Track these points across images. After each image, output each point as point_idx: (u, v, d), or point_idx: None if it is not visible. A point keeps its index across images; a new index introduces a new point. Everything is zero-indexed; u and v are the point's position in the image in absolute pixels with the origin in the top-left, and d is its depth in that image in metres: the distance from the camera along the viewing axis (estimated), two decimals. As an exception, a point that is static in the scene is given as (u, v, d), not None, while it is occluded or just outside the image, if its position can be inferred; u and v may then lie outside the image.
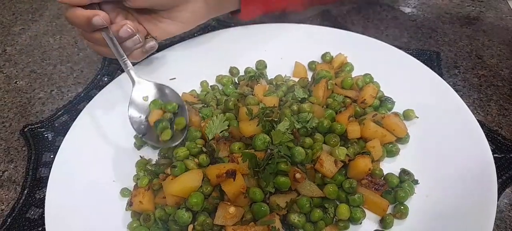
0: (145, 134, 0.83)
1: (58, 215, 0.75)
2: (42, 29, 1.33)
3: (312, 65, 1.02)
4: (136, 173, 0.83)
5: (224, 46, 1.08)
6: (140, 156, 0.86)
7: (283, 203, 0.71)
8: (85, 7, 0.80)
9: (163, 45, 1.18)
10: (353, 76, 0.97)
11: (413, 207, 0.73)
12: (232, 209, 0.69)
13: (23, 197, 0.84)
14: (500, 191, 0.78)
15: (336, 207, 0.73)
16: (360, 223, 0.73)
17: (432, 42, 1.13)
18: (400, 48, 1.01)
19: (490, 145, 0.77)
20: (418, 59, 0.97)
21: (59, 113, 1.02)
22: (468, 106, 0.84)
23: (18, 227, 0.80)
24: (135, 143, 0.89)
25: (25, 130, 0.98)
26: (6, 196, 0.85)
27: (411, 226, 0.72)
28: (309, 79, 0.98)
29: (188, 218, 0.71)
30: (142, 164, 0.84)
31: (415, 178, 0.77)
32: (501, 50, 1.08)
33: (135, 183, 0.81)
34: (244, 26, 1.13)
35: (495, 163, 0.74)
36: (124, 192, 0.80)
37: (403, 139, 0.83)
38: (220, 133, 0.81)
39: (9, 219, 0.81)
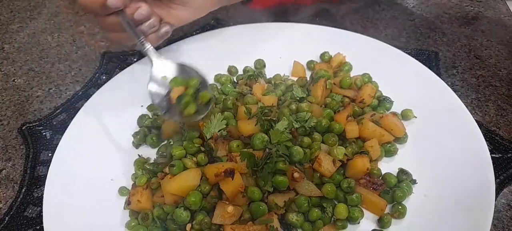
0: (167, 111, 0.80)
1: (56, 213, 0.75)
2: (40, 27, 1.33)
3: (310, 64, 1.02)
4: (134, 172, 0.83)
5: (222, 45, 1.08)
6: (139, 155, 0.86)
7: (281, 202, 0.71)
8: None
9: (161, 44, 1.18)
10: (351, 75, 0.97)
11: (411, 207, 0.74)
12: (230, 208, 0.70)
13: (21, 196, 0.84)
14: (498, 191, 0.78)
15: (334, 206, 0.74)
16: (358, 223, 0.74)
17: (430, 42, 1.13)
18: (398, 48, 1.01)
19: (488, 145, 0.77)
20: (417, 59, 0.97)
21: (57, 111, 1.02)
22: (466, 106, 0.84)
23: (16, 225, 0.80)
24: (133, 142, 0.89)
25: (23, 128, 0.97)
26: (4, 195, 0.85)
27: (409, 226, 0.72)
28: (308, 79, 0.98)
29: (186, 217, 0.71)
30: (141, 163, 0.83)
31: (413, 178, 0.77)
32: (499, 50, 1.08)
33: (133, 182, 0.81)
34: (243, 25, 1.13)
35: (493, 163, 0.74)
36: (122, 190, 0.80)
37: (401, 138, 0.83)
38: (218, 131, 0.81)
39: (7, 218, 0.81)
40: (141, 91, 0.97)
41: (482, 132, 0.79)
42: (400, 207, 0.73)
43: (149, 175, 0.80)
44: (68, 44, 1.25)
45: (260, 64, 1.03)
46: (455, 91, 0.88)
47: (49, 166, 0.81)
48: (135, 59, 1.15)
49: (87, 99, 0.95)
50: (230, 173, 0.71)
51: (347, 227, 0.73)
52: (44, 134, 0.96)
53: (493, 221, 0.66)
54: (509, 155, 0.84)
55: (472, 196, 0.71)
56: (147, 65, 1.03)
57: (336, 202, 0.75)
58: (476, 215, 0.68)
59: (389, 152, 0.82)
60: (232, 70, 1.04)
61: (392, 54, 0.99)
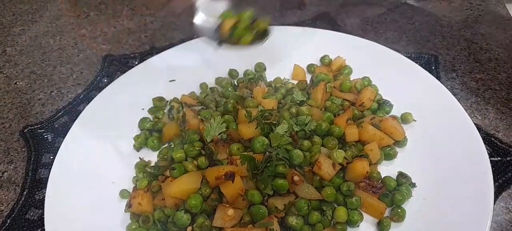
0: (221, 42, 0.78)
1: (57, 216, 0.75)
2: (42, 30, 1.34)
3: (311, 68, 1.03)
4: (135, 175, 0.84)
5: (223, 48, 1.08)
6: (140, 158, 0.87)
7: (281, 205, 0.72)
8: None
9: (163, 47, 1.19)
10: (351, 79, 0.98)
11: (411, 210, 0.74)
12: (230, 211, 0.70)
13: (23, 198, 0.85)
14: (497, 194, 0.78)
15: (334, 209, 0.74)
16: (358, 226, 0.74)
17: (430, 46, 1.13)
18: (398, 51, 1.02)
19: (487, 148, 0.78)
20: (417, 62, 0.97)
21: (59, 114, 1.02)
22: (466, 110, 0.84)
23: (18, 228, 0.80)
24: (134, 145, 0.90)
25: (25, 130, 0.98)
26: (6, 197, 0.86)
27: (409, 229, 0.72)
28: (308, 82, 0.99)
29: (187, 220, 0.71)
30: (142, 166, 0.84)
31: (413, 181, 0.78)
32: (498, 54, 1.08)
33: (134, 185, 0.82)
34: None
35: (492, 166, 0.75)
36: (123, 193, 0.81)
37: (401, 142, 0.84)
38: (218, 135, 0.82)
39: (8, 220, 0.81)
40: (142, 94, 0.99)
41: (482, 135, 0.79)
42: (399, 210, 0.73)
43: (150, 178, 0.81)
44: (69, 47, 1.26)
45: (260, 68, 1.04)
46: (454, 94, 0.89)
47: (50, 168, 0.82)
48: (136, 62, 1.16)
49: (89, 102, 0.96)
50: (230, 176, 0.71)
51: (346, 230, 0.73)
52: (45, 136, 0.97)
53: (491, 224, 0.67)
54: (508, 158, 0.84)
55: (471, 199, 0.71)
56: (148, 68, 1.04)
57: (335, 205, 0.75)
58: (475, 219, 0.68)
59: (389, 155, 0.82)
60: (233, 73, 1.04)
61: (392, 57, 0.99)
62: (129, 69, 1.05)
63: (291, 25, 1.24)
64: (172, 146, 0.88)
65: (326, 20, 1.25)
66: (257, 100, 0.89)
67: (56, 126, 1.00)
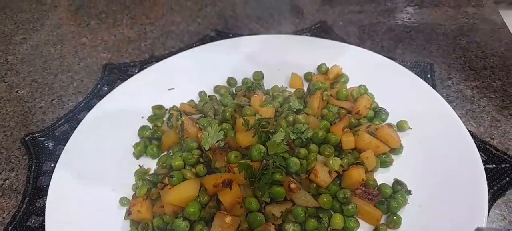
0: None
1: (58, 223, 0.76)
2: (43, 39, 1.35)
3: (308, 76, 1.04)
4: (134, 182, 0.85)
5: (222, 56, 1.10)
6: (139, 165, 0.88)
7: (279, 212, 0.73)
8: None
9: (162, 56, 1.20)
10: (348, 87, 0.99)
11: (406, 217, 0.75)
12: (228, 219, 0.71)
13: (24, 206, 0.86)
14: (492, 201, 0.79)
15: (330, 216, 0.75)
16: (354, 233, 0.75)
17: (426, 54, 1.15)
18: (394, 59, 1.03)
19: (482, 156, 0.79)
20: (412, 70, 0.99)
21: (59, 122, 1.04)
22: (461, 117, 0.85)
23: (19, 235, 0.81)
24: (134, 153, 0.91)
25: (26, 138, 0.99)
26: (7, 204, 0.87)
27: (404, 236, 0.73)
28: (305, 90, 1.00)
29: (185, 227, 0.72)
30: (141, 174, 0.85)
31: (408, 189, 0.79)
32: (493, 62, 1.10)
33: (133, 192, 0.83)
34: (242, 37, 1.15)
35: (487, 173, 0.76)
36: (123, 200, 0.81)
37: (396, 149, 0.85)
38: (216, 142, 0.83)
39: (10, 228, 0.82)
40: (141, 102, 1.00)
41: (477, 143, 0.80)
42: (395, 217, 0.74)
43: (149, 186, 0.82)
44: (70, 56, 1.27)
45: (258, 76, 1.05)
46: (450, 102, 0.90)
47: (51, 176, 0.83)
48: (136, 71, 1.17)
49: (89, 110, 0.97)
50: (228, 184, 0.72)
51: (343, 237, 0.74)
52: (46, 144, 0.98)
53: (486, 231, 0.67)
54: (503, 166, 0.85)
55: (466, 206, 0.72)
56: (147, 77, 1.05)
57: (332, 213, 0.76)
58: (470, 225, 0.69)
59: (385, 163, 0.83)
60: (231, 81, 1.06)
61: (388, 66, 1.01)
62: (129, 77, 1.06)
63: (289, 33, 1.25)
64: (171, 153, 0.89)
65: (323, 29, 1.27)
66: (255, 109, 0.91)
67: (57, 133, 1.01)
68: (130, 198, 0.82)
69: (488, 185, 0.74)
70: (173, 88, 1.03)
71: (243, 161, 0.77)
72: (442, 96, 0.91)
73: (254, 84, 1.02)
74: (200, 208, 0.73)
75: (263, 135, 0.80)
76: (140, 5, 1.48)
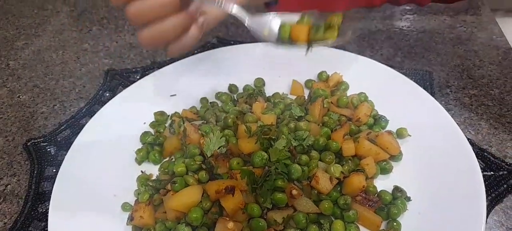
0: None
1: (60, 228, 0.76)
2: (45, 44, 1.36)
3: (309, 83, 1.05)
4: (137, 188, 0.85)
5: (223, 63, 1.11)
6: (141, 171, 0.88)
7: (280, 218, 0.73)
8: None
9: (164, 62, 1.21)
10: (348, 95, 1.00)
11: (406, 224, 0.75)
12: (230, 225, 0.71)
13: (26, 211, 0.86)
14: (490, 208, 0.80)
15: (331, 223, 0.75)
16: (355, 239, 0.75)
17: (425, 62, 1.16)
18: (393, 67, 1.04)
19: (480, 163, 0.80)
20: (411, 78, 1.00)
21: (61, 128, 1.04)
22: (459, 125, 0.86)
23: (21, 240, 0.81)
24: (136, 158, 0.91)
25: (28, 144, 1.00)
26: (9, 210, 0.87)
27: (404, 242, 0.74)
28: (306, 97, 1.01)
29: (188, 233, 0.73)
30: (143, 179, 0.86)
31: (408, 195, 0.79)
32: (491, 70, 1.11)
33: (136, 198, 0.83)
34: (243, 44, 1.16)
35: (485, 180, 0.77)
36: (125, 206, 0.82)
37: (396, 156, 0.85)
38: (218, 149, 0.84)
39: (11, 232, 0.83)
40: (143, 108, 1.01)
41: (475, 150, 0.81)
42: (395, 223, 0.75)
43: (152, 191, 0.82)
44: (72, 61, 1.28)
45: (259, 83, 1.06)
46: (448, 110, 0.91)
47: (53, 181, 0.83)
48: (137, 77, 1.18)
49: (91, 116, 0.98)
50: (230, 190, 0.73)
51: (343, 243, 0.75)
52: (48, 149, 0.98)
53: (484, 238, 0.68)
54: (500, 173, 0.86)
55: (464, 213, 0.72)
56: (149, 82, 1.06)
57: (333, 219, 0.77)
58: (468, 232, 0.70)
59: (385, 170, 0.84)
60: (232, 88, 1.07)
61: (388, 74, 1.02)
62: (131, 83, 1.07)
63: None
64: (173, 160, 0.90)
65: (324, 36, 1.28)
66: (257, 116, 0.91)
67: (59, 139, 1.01)
68: (133, 203, 0.82)
69: (486, 192, 0.74)
70: (175, 95, 1.04)
71: (245, 167, 0.78)
72: (441, 104, 0.92)
73: (255, 91, 1.03)
74: (202, 214, 0.74)
75: (265, 141, 0.81)
76: (141, 11, 1.49)
